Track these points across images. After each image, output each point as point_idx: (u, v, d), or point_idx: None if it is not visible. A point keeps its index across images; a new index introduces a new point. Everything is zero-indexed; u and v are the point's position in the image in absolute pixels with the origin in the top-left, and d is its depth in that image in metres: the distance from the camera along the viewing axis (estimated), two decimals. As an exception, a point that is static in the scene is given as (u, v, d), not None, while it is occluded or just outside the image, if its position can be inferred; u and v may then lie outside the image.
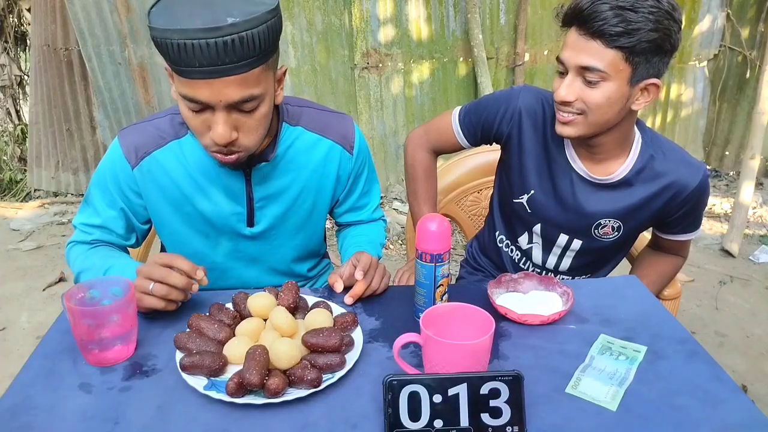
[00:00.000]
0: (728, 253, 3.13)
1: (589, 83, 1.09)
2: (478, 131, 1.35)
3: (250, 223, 1.19)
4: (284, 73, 1.06)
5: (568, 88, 1.11)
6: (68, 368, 0.91)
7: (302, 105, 1.21)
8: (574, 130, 1.15)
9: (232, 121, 0.96)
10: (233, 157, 1.01)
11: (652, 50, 1.05)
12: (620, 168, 1.24)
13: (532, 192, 1.32)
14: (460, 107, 1.39)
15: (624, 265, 1.49)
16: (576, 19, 1.08)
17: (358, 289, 1.09)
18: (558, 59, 1.13)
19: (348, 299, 1.09)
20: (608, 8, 1.03)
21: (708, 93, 4.13)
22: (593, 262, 1.38)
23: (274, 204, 1.19)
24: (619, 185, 1.25)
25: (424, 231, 0.98)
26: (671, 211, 1.26)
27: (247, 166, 1.13)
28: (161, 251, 1.38)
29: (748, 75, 3.90)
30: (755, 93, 3.37)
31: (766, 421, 0.82)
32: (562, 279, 1.36)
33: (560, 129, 1.17)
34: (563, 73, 1.13)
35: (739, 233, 3.15)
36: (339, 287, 1.10)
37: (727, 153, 4.15)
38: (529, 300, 1.11)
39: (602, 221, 1.28)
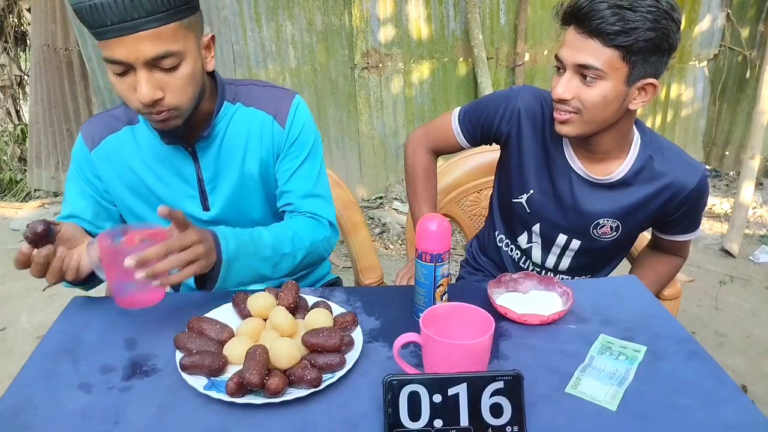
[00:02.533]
0: (728, 253, 3.13)
1: (586, 81, 1.09)
2: (477, 131, 1.35)
3: (205, 206, 1.21)
4: (211, 40, 1.08)
5: (565, 86, 1.11)
6: (68, 368, 0.91)
7: (248, 84, 1.22)
8: (572, 129, 1.16)
9: (155, 80, 0.98)
10: (163, 115, 1.03)
11: (649, 50, 1.06)
12: (619, 168, 1.24)
13: (531, 192, 1.32)
14: (459, 108, 1.39)
15: (624, 265, 1.49)
16: (574, 17, 1.08)
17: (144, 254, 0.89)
18: (556, 57, 1.13)
19: (128, 261, 0.88)
20: (606, 7, 1.03)
21: (708, 93, 4.14)
22: (593, 262, 1.38)
23: (223, 184, 1.20)
24: (618, 185, 1.25)
25: (424, 231, 0.98)
26: (670, 211, 1.26)
27: (188, 144, 1.15)
28: None
29: (748, 75, 3.90)
30: (755, 93, 3.37)
31: (766, 421, 0.82)
32: (562, 279, 1.36)
33: (559, 128, 1.18)
34: (561, 70, 1.13)
35: (739, 233, 3.15)
36: (163, 211, 0.92)
37: (727, 153, 4.15)
38: (529, 300, 1.11)
39: (601, 221, 1.28)
